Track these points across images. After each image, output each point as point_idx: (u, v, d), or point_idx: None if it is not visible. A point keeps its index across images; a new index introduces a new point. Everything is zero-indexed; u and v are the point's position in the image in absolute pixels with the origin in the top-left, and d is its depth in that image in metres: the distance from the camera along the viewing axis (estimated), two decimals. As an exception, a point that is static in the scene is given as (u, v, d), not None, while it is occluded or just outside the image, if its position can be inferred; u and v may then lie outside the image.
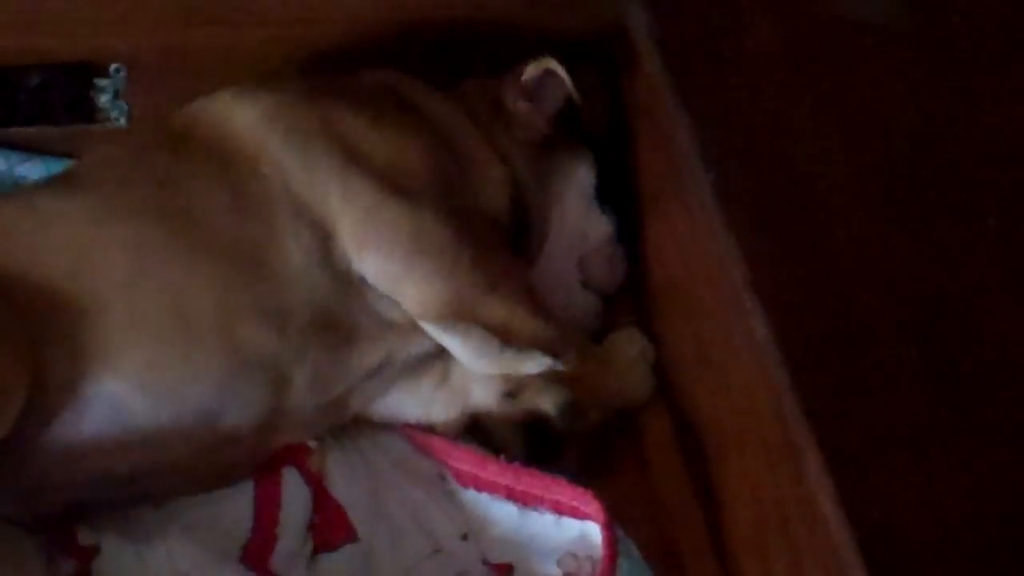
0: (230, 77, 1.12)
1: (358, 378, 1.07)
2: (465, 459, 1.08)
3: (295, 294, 1.02)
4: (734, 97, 1.13)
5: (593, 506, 1.03)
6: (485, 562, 1.06)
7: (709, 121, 1.10)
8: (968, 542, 0.89)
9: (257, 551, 1.03)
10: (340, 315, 1.04)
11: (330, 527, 1.06)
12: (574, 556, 1.04)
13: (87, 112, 1.23)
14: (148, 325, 0.98)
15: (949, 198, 1.08)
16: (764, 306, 0.98)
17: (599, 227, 1.21)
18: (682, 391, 1.14)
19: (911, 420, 0.95)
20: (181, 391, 0.98)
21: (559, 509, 1.05)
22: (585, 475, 1.07)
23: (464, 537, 1.07)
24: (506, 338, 1.06)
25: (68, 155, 1.21)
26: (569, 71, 1.14)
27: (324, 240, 1.04)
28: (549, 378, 1.09)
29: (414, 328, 1.07)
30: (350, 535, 1.06)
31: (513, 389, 1.10)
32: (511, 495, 1.06)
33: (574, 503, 1.04)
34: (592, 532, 1.03)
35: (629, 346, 1.15)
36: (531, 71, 1.16)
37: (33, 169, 1.21)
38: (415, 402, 1.11)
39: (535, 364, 1.07)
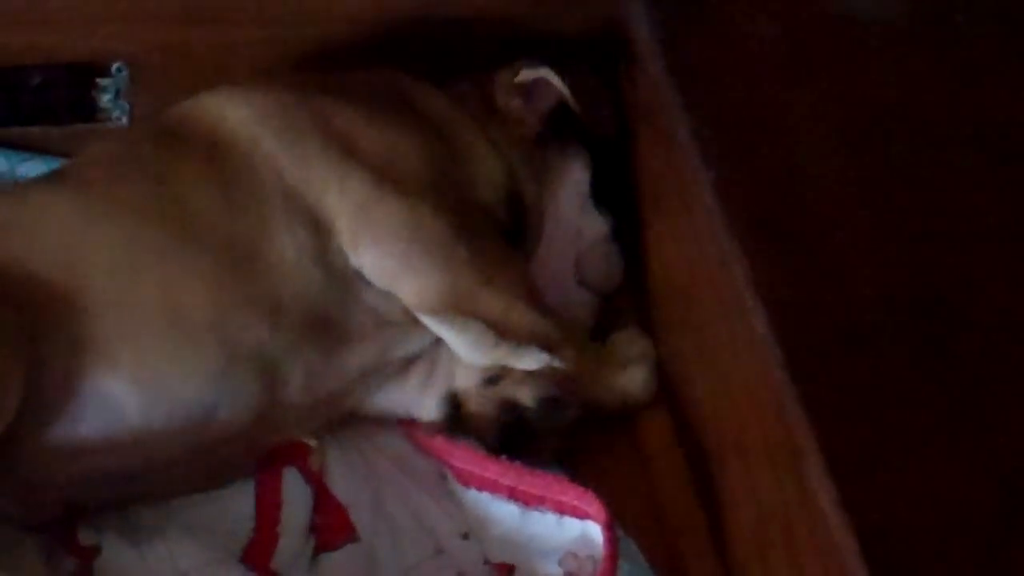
0: (231, 76, 1.12)
1: (352, 375, 1.07)
2: (466, 458, 1.09)
3: (289, 290, 1.02)
4: (734, 97, 1.13)
5: (594, 506, 1.03)
6: (486, 562, 1.06)
7: (709, 121, 1.10)
8: (968, 542, 0.89)
9: (258, 551, 1.03)
10: (334, 312, 1.04)
11: (331, 527, 1.06)
12: (575, 556, 1.04)
13: (89, 112, 1.23)
14: (141, 320, 0.98)
15: (950, 198, 1.08)
16: (764, 306, 0.98)
17: (595, 225, 1.21)
18: (682, 391, 1.14)
19: (911, 420, 0.94)
20: (174, 386, 0.98)
21: (560, 509, 1.05)
22: (585, 476, 1.07)
23: (465, 537, 1.07)
24: (503, 332, 1.06)
25: (69, 155, 1.21)
26: (562, 73, 1.15)
27: (319, 235, 1.04)
28: (542, 372, 1.09)
29: (408, 325, 1.07)
30: (351, 535, 1.06)
31: (496, 375, 1.10)
32: (512, 495, 1.07)
33: (575, 503, 1.04)
34: (593, 532, 1.03)
35: (629, 346, 1.15)
36: (524, 76, 1.16)
37: (34, 169, 1.21)
38: (403, 396, 1.11)
39: (532, 360, 1.07)
